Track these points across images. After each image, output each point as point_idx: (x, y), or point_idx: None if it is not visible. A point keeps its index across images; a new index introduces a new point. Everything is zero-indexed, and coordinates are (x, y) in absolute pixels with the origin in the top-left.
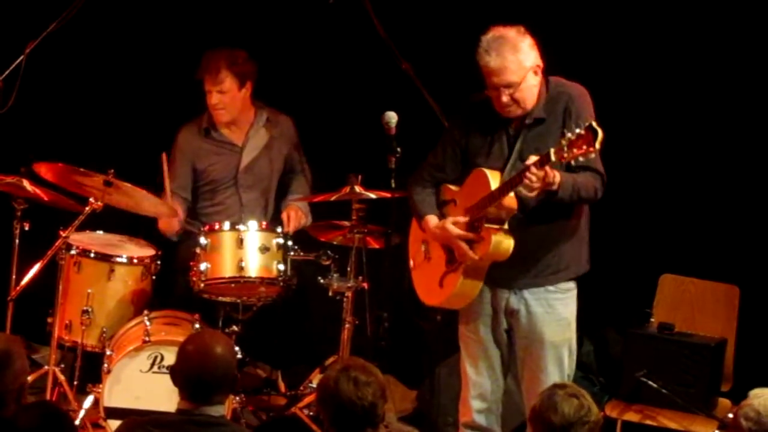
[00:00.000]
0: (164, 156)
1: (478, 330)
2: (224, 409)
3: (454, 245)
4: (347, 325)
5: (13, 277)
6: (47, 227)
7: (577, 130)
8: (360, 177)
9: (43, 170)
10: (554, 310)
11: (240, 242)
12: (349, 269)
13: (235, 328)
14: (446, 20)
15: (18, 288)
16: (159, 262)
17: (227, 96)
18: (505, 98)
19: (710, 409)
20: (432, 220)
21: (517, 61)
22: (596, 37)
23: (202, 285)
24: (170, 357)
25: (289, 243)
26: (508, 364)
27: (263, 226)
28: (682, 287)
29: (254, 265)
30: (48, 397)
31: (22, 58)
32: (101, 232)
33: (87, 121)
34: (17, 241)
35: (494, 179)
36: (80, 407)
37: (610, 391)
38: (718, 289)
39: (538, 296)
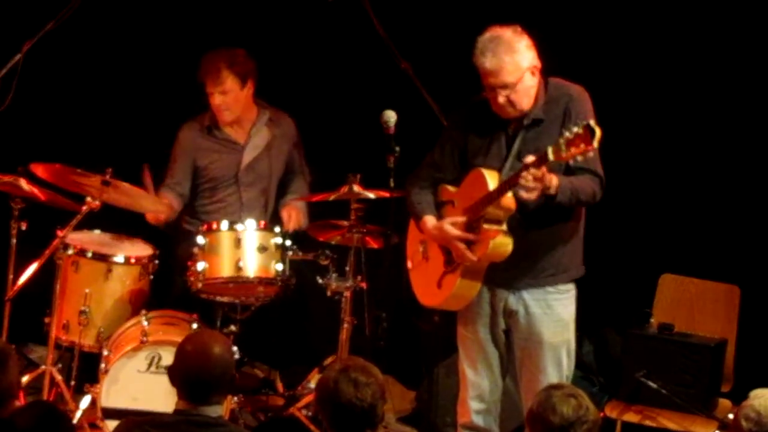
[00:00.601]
0: (146, 167)
1: (477, 331)
2: (222, 409)
3: (452, 246)
4: (346, 325)
5: (11, 276)
6: (44, 227)
7: (575, 129)
8: (359, 176)
9: (40, 171)
10: (553, 311)
11: (238, 242)
12: (347, 269)
13: (233, 328)
14: (446, 20)
15: (15, 288)
16: (157, 262)
17: (230, 96)
18: (501, 99)
19: (710, 410)
20: (430, 220)
21: (514, 61)
22: (594, 36)
23: (200, 285)
24: (168, 357)
25: (288, 243)
26: (506, 364)
27: (261, 226)
28: (682, 287)
29: (252, 265)
30: (45, 397)
31: (19, 56)
32: (99, 231)
33: (84, 119)
34: (14, 240)
35: (492, 179)
36: (77, 407)
37: (609, 391)
38: (718, 289)
39: (536, 297)
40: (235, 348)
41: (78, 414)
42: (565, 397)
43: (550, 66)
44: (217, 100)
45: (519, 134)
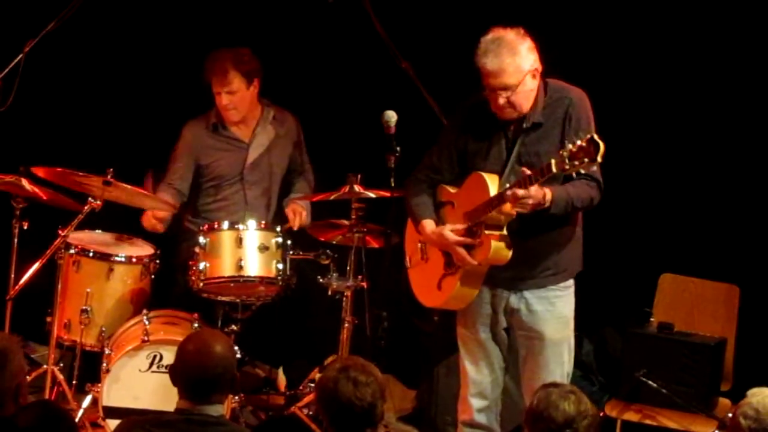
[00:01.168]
0: (149, 175)
1: (477, 330)
2: (223, 408)
3: (452, 251)
4: (346, 325)
5: (12, 276)
6: (46, 226)
7: (578, 142)
8: (359, 176)
9: (42, 173)
10: (555, 308)
11: (239, 241)
12: (348, 268)
13: (234, 327)
14: (445, 20)
15: (17, 287)
16: (158, 262)
17: (237, 96)
18: (501, 100)
19: (710, 409)
20: (429, 225)
21: (515, 64)
22: (593, 36)
23: (201, 284)
24: (169, 356)
25: (289, 242)
26: (507, 362)
27: (262, 225)
28: (681, 287)
29: (253, 264)
30: (47, 396)
31: (20, 56)
32: (100, 231)
33: (86, 119)
34: (16, 240)
35: (493, 184)
36: (79, 406)
37: (609, 390)
38: (718, 288)
39: (538, 294)
40: (236, 347)
41: (79, 413)
42: (565, 394)
43: (546, 66)
44: (224, 100)
45: (519, 138)
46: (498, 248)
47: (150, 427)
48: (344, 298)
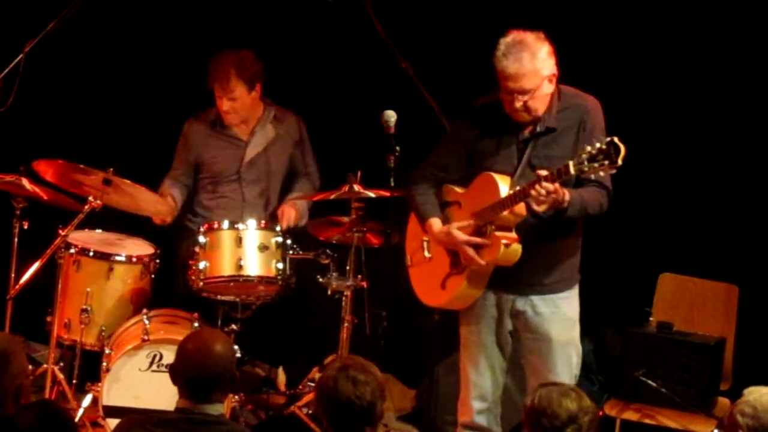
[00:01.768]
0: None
1: (480, 332)
2: (223, 407)
3: (460, 250)
4: (346, 324)
5: (12, 275)
6: (46, 226)
7: (598, 145)
8: (359, 175)
9: (42, 168)
10: (560, 310)
11: (239, 241)
12: (348, 268)
13: (234, 326)
14: (446, 20)
15: (17, 286)
16: (158, 261)
17: (238, 102)
18: (518, 104)
19: (709, 408)
20: (436, 223)
21: (535, 68)
22: (591, 37)
23: (201, 284)
24: (169, 356)
25: (288, 242)
26: (509, 365)
27: (262, 225)
28: (681, 286)
29: (253, 263)
30: (47, 395)
31: (21, 56)
32: (100, 230)
33: (86, 119)
34: (16, 239)
35: (504, 185)
36: (79, 406)
37: (609, 390)
38: (718, 288)
39: (544, 297)
40: (236, 347)
41: (80, 412)
42: (566, 392)
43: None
44: (225, 105)
45: (531, 141)
46: (507, 250)
47: (150, 427)
48: (344, 298)
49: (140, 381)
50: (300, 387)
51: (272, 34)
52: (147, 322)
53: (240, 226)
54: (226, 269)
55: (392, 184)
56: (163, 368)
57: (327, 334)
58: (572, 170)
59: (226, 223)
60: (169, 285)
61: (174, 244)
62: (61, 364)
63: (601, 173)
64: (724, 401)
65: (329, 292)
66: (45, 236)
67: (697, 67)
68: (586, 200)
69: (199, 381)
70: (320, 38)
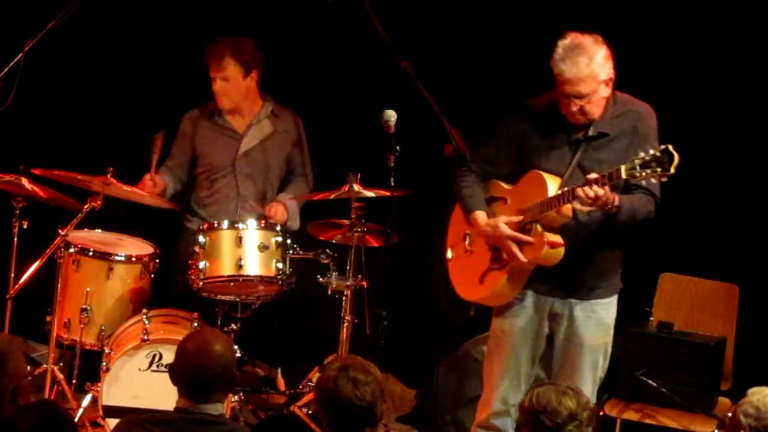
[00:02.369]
0: (162, 134)
1: (515, 334)
2: (223, 407)
3: (503, 245)
4: (346, 324)
5: (12, 275)
6: (46, 225)
7: (652, 151)
8: (359, 175)
9: (40, 174)
10: (596, 315)
11: (239, 240)
12: (348, 268)
13: (234, 326)
14: (446, 20)
15: (17, 286)
16: (158, 261)
17: (231, 84)
18: (574, 108)
19: (710, 408)
20: (481, 216)
21: (593, 73)
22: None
23: (200, 283)
24: (169, 355)
25: (288, 241)
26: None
27: (262, 225)
28: (681, 286)
29: (253, 263)
30: (46, 395)
31: (20, 56)
32: (100, 230)
33: (86, 119)
34: (16, 239)
35: (553, 185)
36: (79, 406)
37: (609, 389)
38: (718, 288)
39: (584, 302)
40: (235, 346)
41: (79, 412)
42: (564, 390)
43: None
44: (217, 85)
45: (582, 144)
46: (551, 249)
47: (150, 426)
48: (344, 298)
49: (140, 381)
50: (300, 387)
51: (272, 34)
52: (147, 321)
53: (240, 225)
54: (226, 269)
55: (392, 183)
56: (163, 368)
57: (327, 333)
58: (623, 174)
59: (225, 223)
60: (169, 285)
61: (173, 244)
62: (61, 363)
63: (652, 180)
64: (724, 401)
65: (329, 292)
66: (44, 236)
67: (697, 67)
68: (635, 206)
69: (199, 381)
70: (320, 38)
